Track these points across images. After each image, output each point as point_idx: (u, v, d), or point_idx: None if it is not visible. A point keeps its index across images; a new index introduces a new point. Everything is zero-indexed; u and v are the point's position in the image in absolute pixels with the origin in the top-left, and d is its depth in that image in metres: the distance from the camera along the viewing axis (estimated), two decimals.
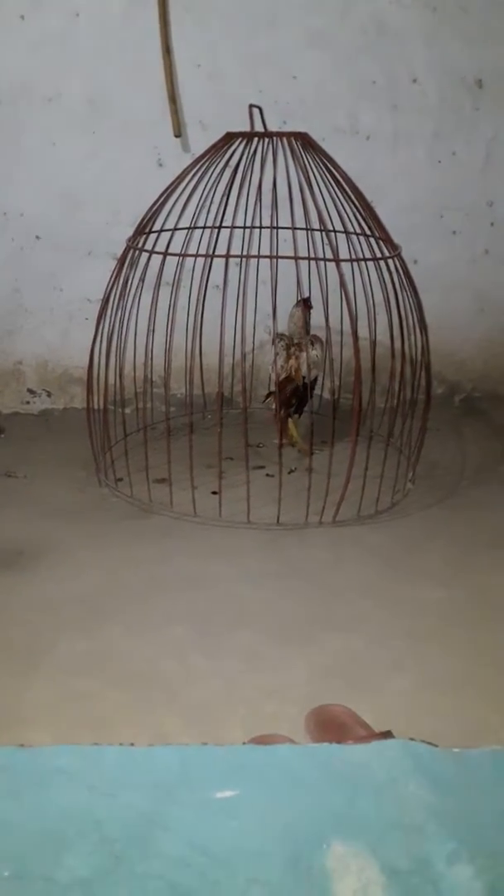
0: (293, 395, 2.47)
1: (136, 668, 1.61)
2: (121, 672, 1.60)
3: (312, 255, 2.07)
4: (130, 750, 0.57)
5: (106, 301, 2.26)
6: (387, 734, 0.92)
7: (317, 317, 2.35)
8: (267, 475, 2.44)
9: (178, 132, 2.70)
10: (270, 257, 2.07)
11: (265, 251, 2.14)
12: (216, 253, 2.14)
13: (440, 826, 0.54)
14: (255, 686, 1.57)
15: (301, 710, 0.96)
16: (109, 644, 1.68)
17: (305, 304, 2.50)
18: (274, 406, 2.49)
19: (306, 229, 2.09)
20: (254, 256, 2.12)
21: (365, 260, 2.16)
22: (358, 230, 2.24)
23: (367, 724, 1.02)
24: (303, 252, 2.10)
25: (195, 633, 1.72)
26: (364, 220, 2.22)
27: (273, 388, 2.52)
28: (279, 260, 2.15)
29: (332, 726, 1.04)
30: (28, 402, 2.99)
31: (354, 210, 2.22)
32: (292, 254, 2.07)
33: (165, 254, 2.11)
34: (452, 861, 0.51)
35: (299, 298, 2.45)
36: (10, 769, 0.55)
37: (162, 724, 1.46)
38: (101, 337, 2.26)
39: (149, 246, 2.23)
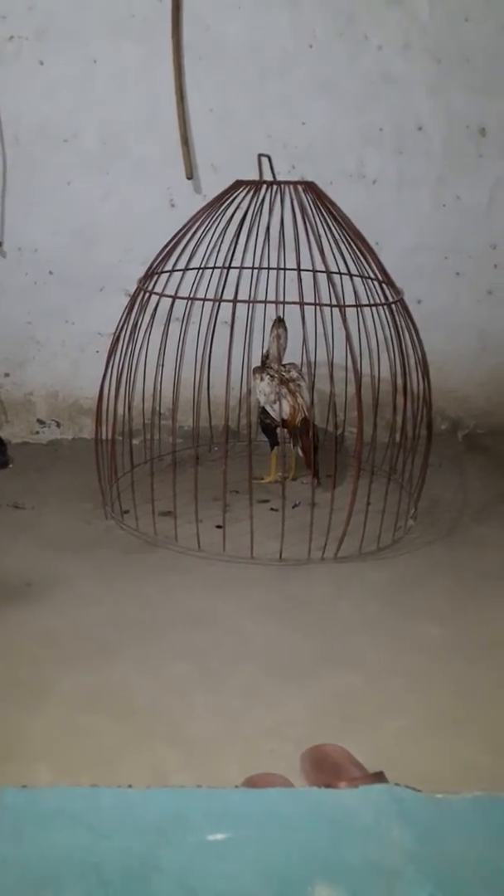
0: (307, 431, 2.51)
1: (140, 704, 1.64)
2: (124, 708, 1.62)
3: (317, 301, 2.13)
4: (127, 792, 0.60)
5: (117, 339, 2.33)
6: (379, 775, 0.94)
7: (321, 354, 2.41)
8: (271, 509, 2.47)
9: (190, 174, 2.78)
10: (276, 303, 2.14)
11: (272, 290, 2.20)
12: (223, 297, 2.20)
13: (419, 871, 0.58)
14: (255, 723, 1.59)
15: (298, 748, 0.99)
16: (113, 679, 1.70)
17: (282, 323, 2.54)
18: (299, 448, 2.52)
19: (311, 271, 2.16)
20: (260, 302, 2.19)
21: (368, 306, 2.22)
22: (360, 273, 2.30)
23: (360, 765, 1.05)
24: (308, 294, 2.15)
25: (197, 669, 1.74)
26: (368, 264, 2.29)
27: (267, 421, 2.58)
28: (286, 304, 2.21)
29: (327, 766, 1.06)
30: (37, 433, 3.04)
31: (359, 255, 2.29)
32: (297, 294, 2.13)
33: (175, 297, 2.17)
34: None
35: (276, 317, 2.51)
36: (11, 809, 0.58)
37: (163, 760, 1.49)
38: (112, 369, 2.32)
39: (160, 284, 2.29)
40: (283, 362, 2.61)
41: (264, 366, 2.60)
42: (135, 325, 2.30)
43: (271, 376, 2.54)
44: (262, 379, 2.55)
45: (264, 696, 1.68)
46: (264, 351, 2.60)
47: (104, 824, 0.57)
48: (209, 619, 1.94)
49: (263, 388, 2.55)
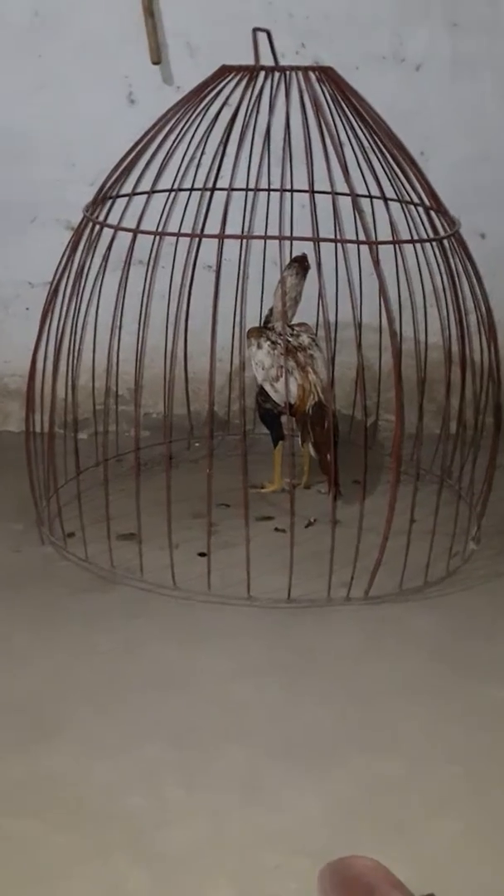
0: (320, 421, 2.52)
1: (92, 803, 1.65)
2: (71, 808, 1.64)
3: (338, 236, 2.13)
4: None
5: (55, 291, 2.33)
6: None
7: (345, 313, 2.42)
8: (276, 530, 2.49)
9: (157, 58, 2.78)
10: (280, 238, 2.13)
11: (274, 221, 2.21)
12: (205, 230, 2.20)
13: None
14: (252, 827, 1.61)
15: (315, 863, 1.00)
16: (56, 768, 1.71)
17: (301, 264, 2.56)
18: (311, 444, 2.54)
19: (330, 193, 2.15)
20: (257, 237, 2.19)
21: (410, 242, 2.22)
22: (399, 196, 2.31)
23: (401, 885, 1.06)
24: (325, 226, 2.16)
25: (173, 752, 1.76)
26: (409, 184, 2.29)
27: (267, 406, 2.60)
28: (293, 241, 2.24)
29: (357, 888, 1.07)
30: None
31: (396, 170, 2.29)
32: (310, 226, 2.13)
33: (136, 231, 2.17)
34: None
35: (293, 258, 2.52)
36: None
37: (124, 880, 1.51)
38: (48, 334, 2.32)
39: (116, 214, 2.29)
40: (292, 323, 2.63)
41: (264, 327, 2.62)
42: (81, 272, 2.31)
43: (273, 342, 2.55)
44: (259, 346, 2.57)
45: (266, 789, 1.69)
46: (271, 308, 2.61)
47: None
48: (189, 682, 1.95)
49: (262, 360, 2.57)
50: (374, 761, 1.76)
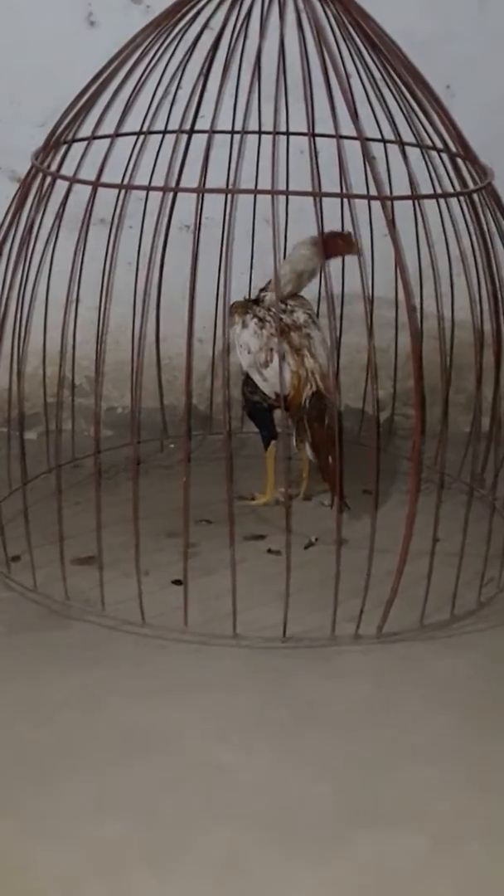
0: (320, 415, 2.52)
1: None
2: None
3: (344, 189, 2.13)
4: None
5: None
6: None
7: (353, 283, 2.40)
8: (269, 551, 2.48)
9: None
10: (272, 193, 2.12)
11: (266, 170, 2.20)
12: (182, 184, 2.19)
13: None
14: None
15: None
16: None
17: (332, 241, 2.48)
18: (308, 444, 2.54)
19: (334, 136, 2.14)
20: (245, 191, 2.17)
21: (433, 197, 2.22)
22: (418, 141, 2.30)
23: None
24: (329, 177, 2.14)
25: (140, 832, 1.74)
26: (432, 126, 2.28)
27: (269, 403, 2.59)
28: (290, 196, 2.25)
29: None
30: None
31: (415, 109, 2.28)
32: (310, 177, 2.10)
33: (97, 184, 2.16)
34: None
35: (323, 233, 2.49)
36: None
37: None
38: None
39: (72, 162, 2.29)
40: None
41: (253, 302, 2.61)
42: (29, 233, 2.31)
43: (261, 319, 2.55)
44: (244, 325, 2.56)
45: (253, 877, 1.67)
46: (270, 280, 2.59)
47: None
48: (160, 744, 1.93)
49: (247, 341, 2.56)
50: (387, 843, 1.73)
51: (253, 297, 2.64)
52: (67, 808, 1.78)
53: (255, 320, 2.55)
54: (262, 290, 2.63)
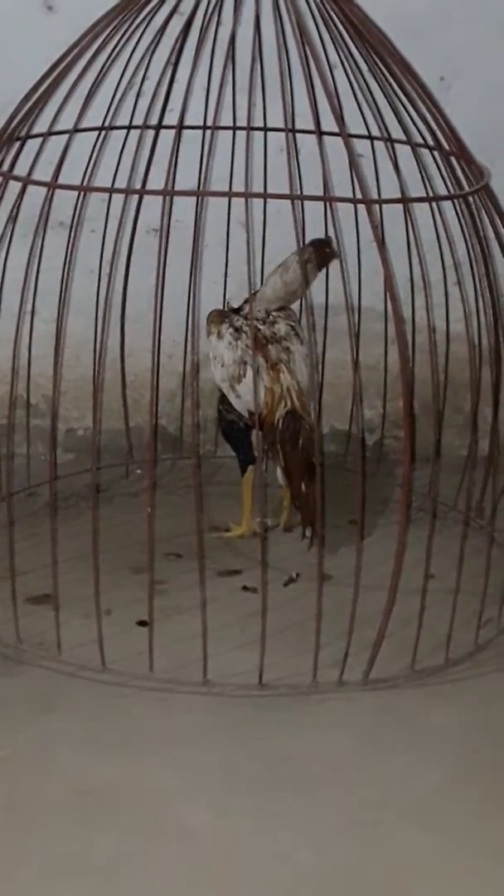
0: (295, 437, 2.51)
1: None
2: None
3: (328, 192, 2.11)
4: None
5: None
6: None
7: (335, 293, 2.37)
8: (244, 588, 2.47)
9: None
10: (246, 196, 2.09)
11: (240, 170, 2.16)
12: (148, 185, 2.18)
13: None
14: None
15: None
16: None
17: (321, 251, 2.51)
18: (280, 469, 2.54)
19: (315, 133, 2.13)
20: (216, 194, 2.22)
21: (425, 200, 2.20)
22: (408, 138, 2.25)
23: None
24: (310, 178, 2.16)
25: None
26: (423, 120, 2.26)
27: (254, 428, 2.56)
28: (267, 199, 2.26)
29: None
30: None
31: (404, 101, 2.27)
32: (287, 178, 2.08)
33: (53, 185, 2.13)
34: None
35: (311, 240, 2.49)
36: None
37: None
38: None
39: (26, 160, 2.27)
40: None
41: (233, 311, 2.61)
42: None
43: (237, 329, 2.55)
44: (220, 335, 2.56)
45: None
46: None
47: None
48: (120, 804, 1.89)
49: (222, 353, 2.56)
50: None
51: (236, 306, 2.64)
52: (14, 879, 1.72)
53: (231, 330, 2.54)
54: (246, 300, 2.61)
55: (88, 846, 1.79)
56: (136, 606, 2.26)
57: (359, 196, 2.12)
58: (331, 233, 2.25)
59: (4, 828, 1.83)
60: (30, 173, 2.22)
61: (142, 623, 2.24)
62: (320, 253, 2.52)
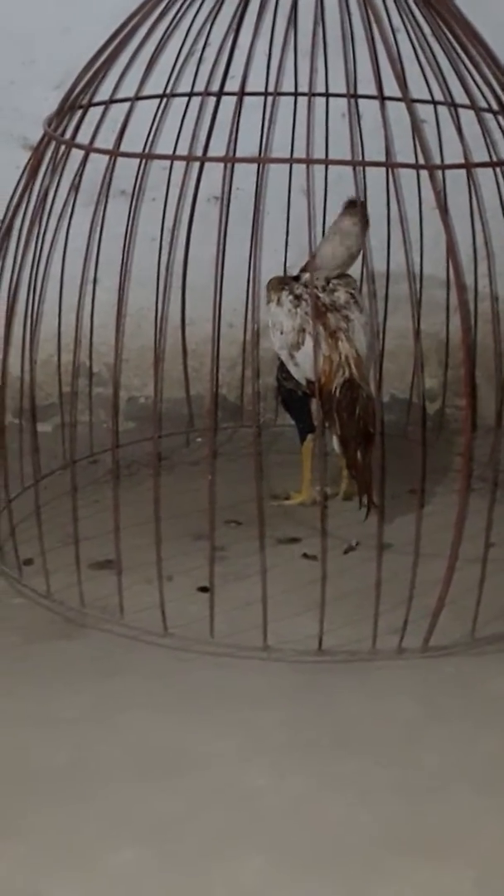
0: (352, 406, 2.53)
1: None
2: None
3: (390, 158, 2.12)
4: None
5: (7, 227, 2.36)
6: None
7: (397, 261, 2.39)
8: (304, 556, 2.50)
9: None
10: (308, 162, 2.11)
11: (301, 137, 2.21)
12: (209, 153, 2.20)
13: None
14: None
15: None
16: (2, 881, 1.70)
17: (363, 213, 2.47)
18: (336, 437, 2.55)
19: (378, 98, 2.15)
20: (278, 160, 2.19)
21: (488, 165, 2.22)
22: (472, 102, 2.27)
23: None
24: (371, 141, 2.16)
25: (159, 860, 1.74)
26: (486, 84, 2.27)
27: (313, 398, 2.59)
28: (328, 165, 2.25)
29: None
30: None
31: (468, 66, 2.27)
32: (349, 145, 2.11)
33: (116, 153, 2.16)
34: None
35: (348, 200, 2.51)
36: None
37: None
38: None
39: (88, 128, 2.30)
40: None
41: (293, 278, 2.61)
42: (42, 205, 2.33)
43: (297, 297, 2.56)
44: (279, 303, 2.57)
45: None
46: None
47: None
48: (182, 765, 1.94)
49: (281, 320, 2.57)
50: (430, 877, 1.72)
51: (295, 273, 2.64)
52: (80, 834, 1.78)
53: (291, 298, 2.56)
54: (304, 268, 2.63)
55: (150, 807, 1.84)
56: (197, 572, 2.33)
57: (421, 162, 2.13)
58: (392, 203, 2.21)
59: (69, 788, 1.88)
60: (92, 141, 2.25)
61: (203, 589, 2.30)
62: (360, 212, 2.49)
